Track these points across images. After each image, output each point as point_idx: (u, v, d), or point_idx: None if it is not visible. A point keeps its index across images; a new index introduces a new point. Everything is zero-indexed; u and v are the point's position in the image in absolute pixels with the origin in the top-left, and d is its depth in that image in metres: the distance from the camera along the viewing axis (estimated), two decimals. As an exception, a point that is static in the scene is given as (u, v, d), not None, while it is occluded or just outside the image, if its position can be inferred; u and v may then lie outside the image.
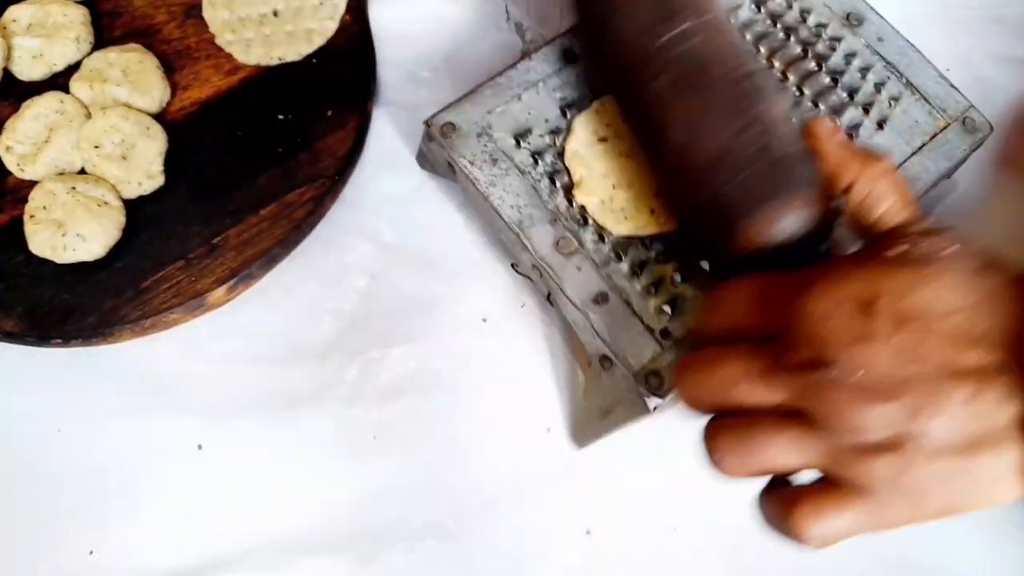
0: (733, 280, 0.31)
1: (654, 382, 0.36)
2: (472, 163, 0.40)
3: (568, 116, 0.41)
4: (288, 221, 0.42)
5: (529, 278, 0.40)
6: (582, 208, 0.40)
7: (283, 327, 0.42)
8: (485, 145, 0.40)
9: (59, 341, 0.39)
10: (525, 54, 0.43)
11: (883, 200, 0.31)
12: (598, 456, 0.41)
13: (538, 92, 0.42)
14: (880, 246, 0.30)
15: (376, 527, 0.39)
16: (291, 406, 0.41)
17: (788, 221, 0.32)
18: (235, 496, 0.40)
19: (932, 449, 0.26)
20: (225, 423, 0.41)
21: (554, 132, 0.41)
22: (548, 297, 0.39)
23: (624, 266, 0.39)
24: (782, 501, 0.29)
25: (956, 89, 0.43)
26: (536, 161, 0.41)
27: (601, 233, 0.39)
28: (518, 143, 0.41)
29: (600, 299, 0.38)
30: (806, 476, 0.29)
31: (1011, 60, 0.50)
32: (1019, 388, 0.25)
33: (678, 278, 0.39)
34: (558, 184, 0.40)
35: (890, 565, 0.40)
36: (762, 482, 0.30)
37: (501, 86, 0.42)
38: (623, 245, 0.39)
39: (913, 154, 0.42)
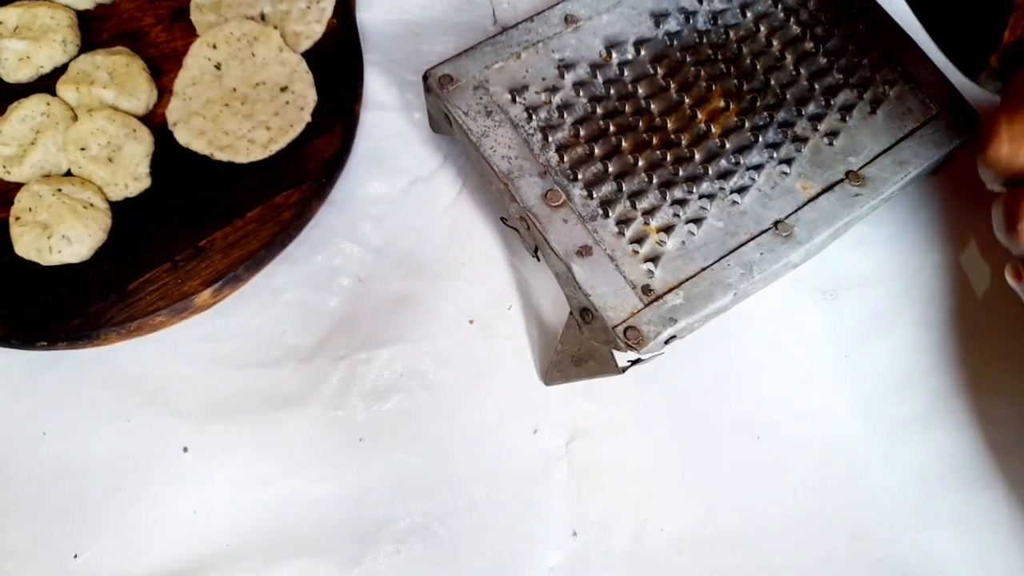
0: None
1: (632, 336, 0.37)
2: (467, 114, 0.41)
3: (565, 77, 0.42)
4: (275, 223, 0.42)
5: (517, 231, 0.41)
6: (573, 163, 0.40)
7: (269, 329, 0.42)
8: (480, 98, 0.41)
9: (44, 344, 0.39)
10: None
11: None
12: (584, 457, 0.42)
13: (537, 52, 0.43)
14: None
15: (362, 528, 0.39)
16: (277, 408, 0.41)
17: None
18: (220, 498, 0.40)
19: None
20: (211, 425, 0.40)
21: (550, 90, 0.42)
22: (535, 252, 0.40)
23: (611, 222, 0.39)
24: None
25: (950, 81, 0.44)
26: (530, 116, 0.41)
27: (590, 190, 0.40)
28: (513, 98, 0.42)
29: (584, 252, 0.38)
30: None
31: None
32: None
33: (663, 236, 0.39)
34: (551, 139, 0.41)
35: (875, 566, 0.41)
36: None
37: (501, 43, 0.42)
38: (610, 201, 0.40)
39: (904, 138, 0.42)
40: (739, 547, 0.41)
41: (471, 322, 0.43)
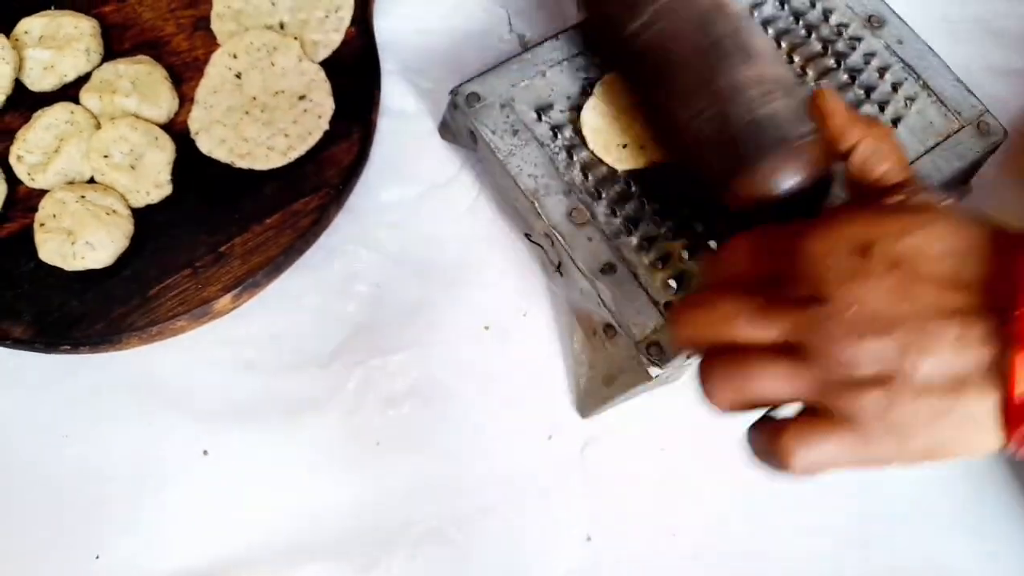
0: (734, 237, 0.32)
1: (655, 352, 0.37)
2: (494, 132, 0.41)
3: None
4: (293, 230, 0.42)
5: (541, 246, 0.42)
6: (597, 182, 0.41)
7: (287, 335, 0.43)
8: (507, 116, 0.42)
9: (67, 348, 0.40)
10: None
11: (885, 160, 0.32)
12: (598, 464, 0.42)
13: (562, 70, 0.43)
14: (879, 196, 0.31)
15: (378, 533, 0.40)
16: (295, 413, 0.42)
17: (784, 176, 0.34)
18: (239, 501, 0.40)
19: (920, 385, 0.27)
20: (230, 429, 0.41)
21: (575, 109, 0.42)
22: (558, 267, 0.41)
23: (634, 240, 0.40)
24: (770, 430, 0.29)
25: (972, 94, 0.44)
26: (555, 135, 0.42)
27: (614, 208, 0.40)
28: (539, 116, 0.42)
29: (608, 269, 0.39)
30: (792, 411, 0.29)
31: (1009, 72, 0.51)
32: (997, 332, 0.26)
33: (685, 254, 0.40)
34: (575, 158, 0.41)
35: (886, 573, 0.41)
36: (751, 417, 0.31)
37: (527, 62, 0.43)
38: (634, 219, 0.40)
39: (926, 152, 0.43)
40: (752, 555, 0.41)
41: (487, 328, 0.44)
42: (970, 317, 0.27)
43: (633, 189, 0.41)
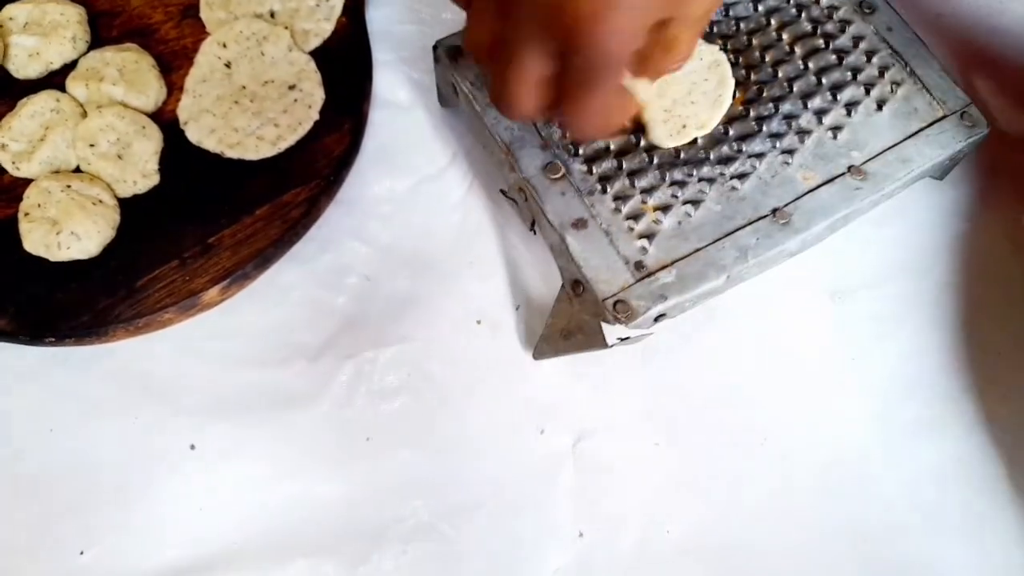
0: None
1: (622, 309, 0.37)
2: (473, 84, 0.42)
3: None
4: (283, 221, 0.42)
5: (515, 201, 0.42)
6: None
7: (277, 327, 0.42)
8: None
9: (52, 340, 0.39)
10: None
11: None
12: (591, 458, 0.41)
13: None
14: None
15: (368, 528, 0.39)
16: (284, 406, 0.41)
17: None
18: (227, 496, 0.40)
19: None
20: (218, 423, 0.40)
21: None
22: (532, 226, 0.41)
23: (608, 197, 0.40)
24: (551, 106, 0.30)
25: (958, 85, 0.44)
26: None
27: (590, 165, 0.41)
28: None
29: (579, 224, 0.39)
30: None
31: (1001, 67, 0.51)
32: None
33: (660, 215, 0.40)
34: None
35: (881, 570, 0.41)
36: None
37: None
38: (609, 177, 0.40)
39: (909, 137, 0.43)
40: (745, 550, 0.40)
41: (479, 322, 0.43)
42: None
43: (610, 147, 0.41)
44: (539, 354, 0.42)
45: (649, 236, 0.39)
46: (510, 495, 0.41)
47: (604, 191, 0.40)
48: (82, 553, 0.38)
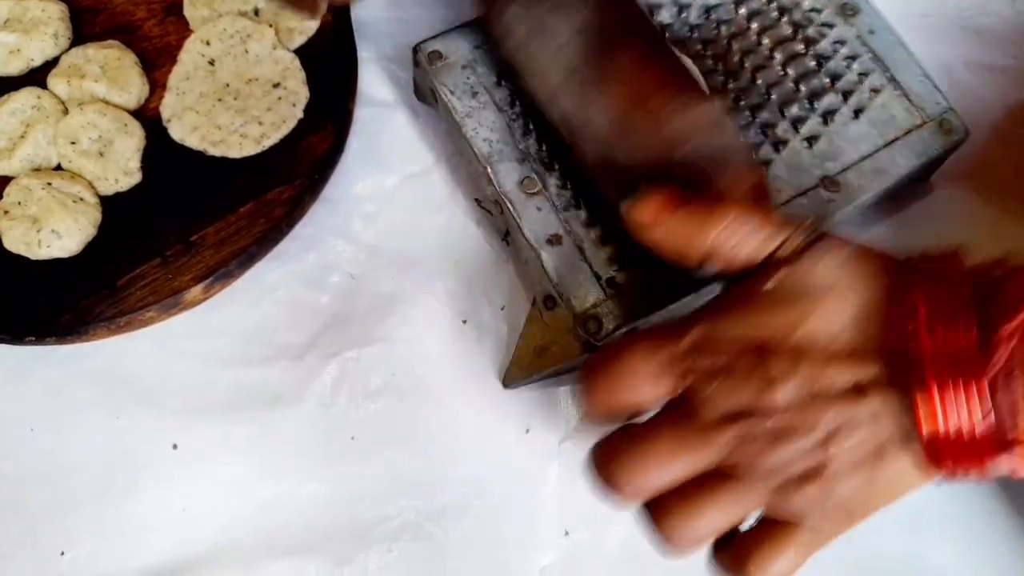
0: (611, 354, 0.31)
1: (592, 326, 0.37)
2: (452, 92, 0.41)
3: None
4: (266, 220, 0.41)
5: (490, 212, 0.42)
6: (552, 152, 0.41)
7: (260, 326, 0.42)
8: (467, 78, 0.42)
9: (32, 339, 0.39)
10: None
11: (744, 246, 0.30)
12: (576, 457, 0.41)
13: None
14: (755, 280, 0.30)
15: (353, 527, 0.39)
16: (268, 406, 0.41)
17: None
18: (210, 496, 0.39)
19: (847, 468, 0.28)
20: (201, 423, 0.40)
21: None
22: (505, 236, 0.41)
23: (583, 213, 0.40)
24: (731, 556, 0.30)
25: (938, 90, 0.44)
26: (514, 102, 0.42)
27: (567, 180, 0.40)
28: (499, 81, 0.42)
29: (554, 240, 0.39)
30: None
31: (987, 68, 0.51)
32: (901, 400, 0.27)
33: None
34: (532, 126, 0.41)
35: (866, 570, 0.41)
36: None
37: None
38: (584, 193, 0.40)
39: (885, 146, 0.42)
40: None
41: (464, 322, 0.43)
42: (877, 388, 0.27)
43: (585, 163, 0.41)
44: (509, 380, 0.42)
45: (621, 253, 0.39)
46: (496, 494, 0.40)
47: (579, 207, 0.40)
48: (63, 554, 0.38)
